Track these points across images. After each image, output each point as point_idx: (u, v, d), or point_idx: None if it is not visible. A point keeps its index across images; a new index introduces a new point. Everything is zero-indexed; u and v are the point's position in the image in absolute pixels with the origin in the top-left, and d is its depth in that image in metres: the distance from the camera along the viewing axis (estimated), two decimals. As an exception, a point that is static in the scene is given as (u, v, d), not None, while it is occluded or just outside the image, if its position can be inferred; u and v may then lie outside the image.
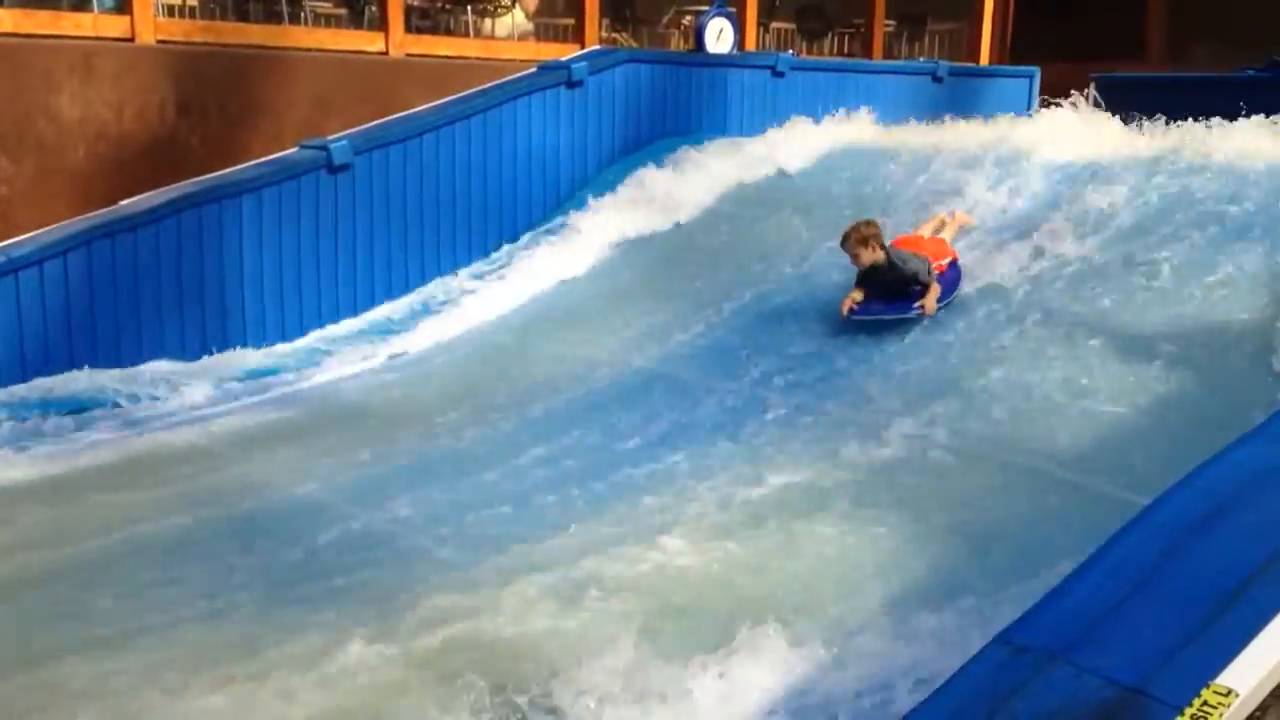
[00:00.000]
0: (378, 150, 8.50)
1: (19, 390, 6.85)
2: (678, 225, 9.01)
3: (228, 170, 8.10)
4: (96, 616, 4.40)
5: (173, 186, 7.80)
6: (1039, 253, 7.03)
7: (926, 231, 7.28)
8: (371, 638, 4.06)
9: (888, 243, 6.77)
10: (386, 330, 8.25)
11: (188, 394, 7.09)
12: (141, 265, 7.43)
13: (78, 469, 5.97)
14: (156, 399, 7.02)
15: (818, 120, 10.08)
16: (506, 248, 9.16)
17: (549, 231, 9.16)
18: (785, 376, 6.50)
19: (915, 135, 9.45)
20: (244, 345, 7.88)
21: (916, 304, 6.54)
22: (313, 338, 8.15)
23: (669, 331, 7.55)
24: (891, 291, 6.68)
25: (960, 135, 9.05)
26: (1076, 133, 8.46)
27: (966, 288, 6.86)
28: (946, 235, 7.26)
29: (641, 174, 9.46)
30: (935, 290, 6.60)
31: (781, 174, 9.33)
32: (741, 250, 8.37)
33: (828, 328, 6.96)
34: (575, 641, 3.98)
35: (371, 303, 8.54)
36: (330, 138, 8.38)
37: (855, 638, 3.94)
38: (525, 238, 9.21)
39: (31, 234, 7.28)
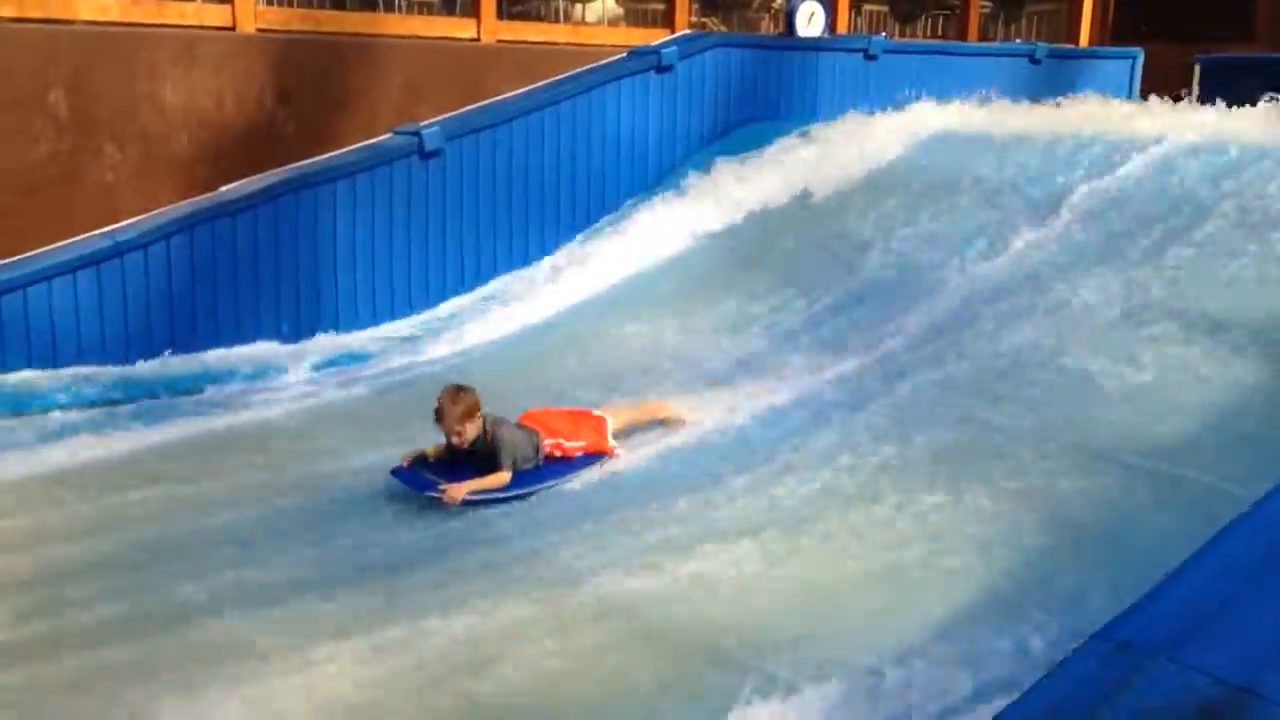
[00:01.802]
0: (468, 136, 8.58)
1: (124, 371, 7.06)
2: (768, 212, 8.92)
3: (323, 156, 8.25)
4: (222, 580, 4.58)
5: (270, 172, 7.96)
6: (1130, 239, 6.86)
7: (612, 412, 5.92)
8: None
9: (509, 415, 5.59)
10: (474, 314, 8.32)
11: (283, 376, 7.25)
12: (240, 249, 7.61)
13: (179, 447, 6.14)
14: (253, 381, 7.18)
15: (910, 104, 9.91)
16: (594, 232, 9.17)
17: (636, 216, 9.13)
18: (882, 365, 6.42)
19: (1018, 117, 9.22)
20: (337, 329, 8.02)
21: (442, 486, 5.23)
22: (403, 322, 8.27)
23: (755, 318, 7.51)
24: (476, 461, 5.41)
25: (1064, 117, 8.85)
26: (1182, 119, 8.22)
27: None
28: (619, 420, 5.87)
29: (731, 159, 9.40)
30: (487, 482, 5.28)
31: (877, 159, 9.17)
32: (833, 239, 8.26)
33: (922, 318, 6.86)
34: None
35: (460, 288, 8.63)
36: (422, 124, 8.48)
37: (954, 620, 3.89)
38: (613, 222, 9.21)
39: (136, 219, 7.50)
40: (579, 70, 9.37)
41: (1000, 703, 2.79)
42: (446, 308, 8.45)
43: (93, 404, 6.67)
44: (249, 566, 4.72)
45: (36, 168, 7.38)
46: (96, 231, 7.35)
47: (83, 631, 4.21)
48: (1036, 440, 5.28)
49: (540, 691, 3.78)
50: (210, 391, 6.99)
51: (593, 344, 7.54)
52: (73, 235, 7.30)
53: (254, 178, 7.90)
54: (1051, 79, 11.63)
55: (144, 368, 7.14)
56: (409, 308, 8.37)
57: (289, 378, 7.23)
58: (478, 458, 5.41)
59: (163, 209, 7.59)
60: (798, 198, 8.92)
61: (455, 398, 5.35)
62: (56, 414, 6.49)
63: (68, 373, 6.88)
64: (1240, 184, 6.99)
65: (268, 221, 7.71)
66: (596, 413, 5.84)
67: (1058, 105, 9.30)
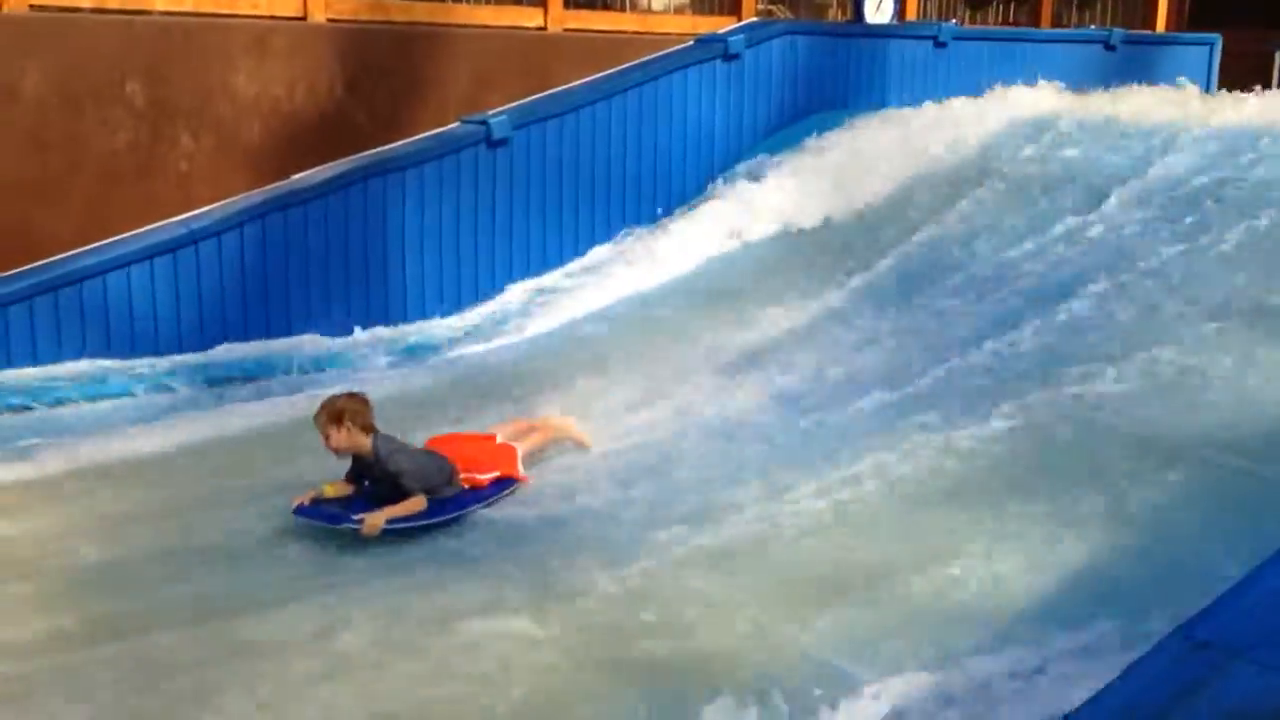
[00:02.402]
0: (535, 125, 8.61)
1: (197, 358, 7.19)
2: (835, 202, 8.84)
3: (392, 145, 8.33)
4: (284, 566, 4.68)
5: (340, 161, 8.06)
6: (1201, 229, 6.72)
7: (503, 433, 5.70)
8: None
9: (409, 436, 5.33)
10: (540, 303, 8.35)
11: (352, 365, 7.35)
12: (311, 238, 7.72)
13: (248, 435, 6.24)
14: (322, 370, 7.28)
15: (980, 92, 9.76)
16: (662, 221, 9.16)
17: (703, 206, 9.12)
18: (955, 356, 6.34)
19: (1097, 103, 9.07)
20: (406, 317, 8.11)
21: (358, 516, 4.89)
22: (469, 311, 8.33)
23: (823, 308, 7.47)
24: (382, 492, 5.07)
25: (1142, 104, 8.70)
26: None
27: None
28: (525, 446, 5.62)
29: (798, 149, 9.33)
30: (403, 508, 4.95)
31: (948, 148, 9.04)
32: (903, 231, 8.17)
33: (993, 308, 6.76)
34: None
35: (526, 275, 8.67)
36: (490, 113, 8.53)
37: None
38: (681, 211, 9.20)
39: (210, 207, 7.64)
40: (645, 59, 9.36)
41: (1074, 700, 2.75)
42: (513, 296, 8.49)
43: (167, 390, 6.82)
44: (318, 556, 4.79)
45: (116, 157, 7.53)
46: (172, 220, 7.50)
47: (149, 615, 4.27)
48: (1109, 435, 5.19)
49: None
50: (280, 379, 7.10)
51: (657, 334, 7.53)
52: (150, 223, 7.45)
53: (324, 166, 8.01)
54: (1127, 66, 11.39)
55: (216, 355, 7.27)
56: (475, 296, 8.43)
57: (358, 367, 7.33)
58: (379, 488, 5.08)
59: (236, 198, 7.72)
60: (872, 187, 8.82)
61: (330, 402, 5.07)
62: (131, 400, 6.64)
63: (143, 360, 7.04)
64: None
65: (338, 210, 7.81)
66: (500, 440, 5.58)
67: (1137, 92, 9.13)
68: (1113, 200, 7.46)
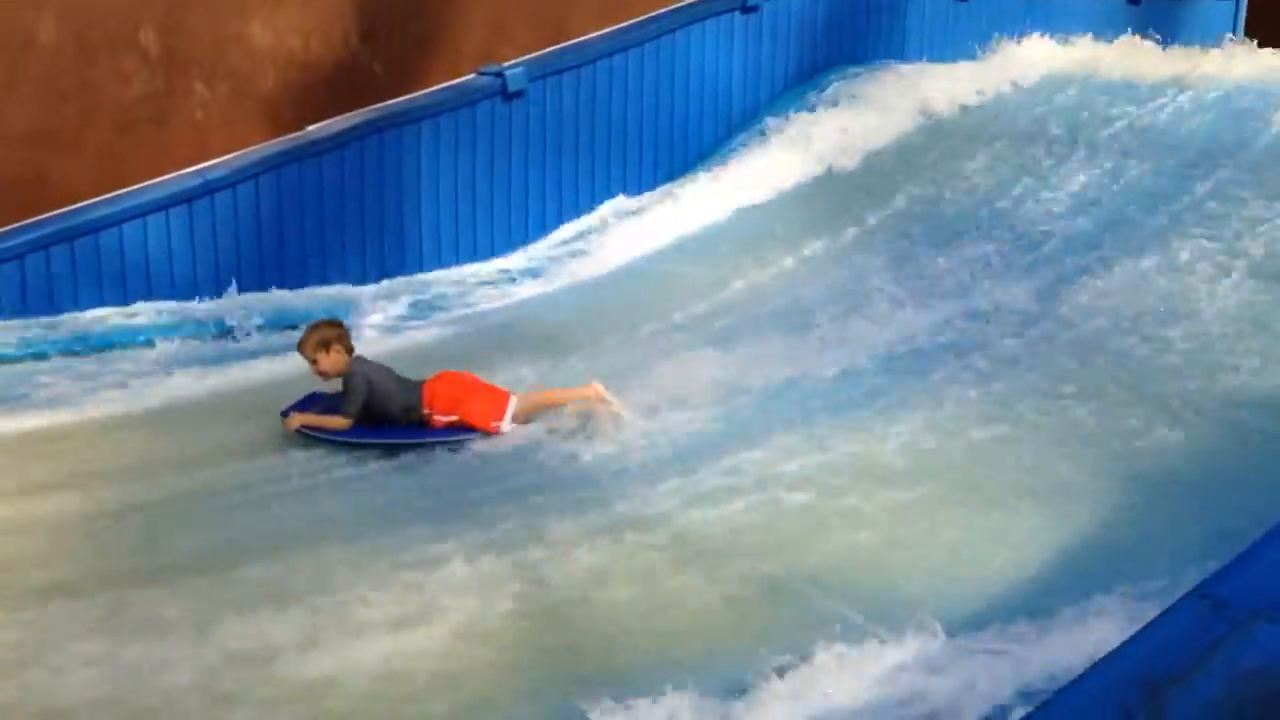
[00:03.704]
0: (551, 77, 8.55)
1: (213, 307, 7.19)
2: (853, 156, 8.78)
3: (407, 96, 8.26)
4: (285, 519, 4.68)
5: (355, 112, 8.00)
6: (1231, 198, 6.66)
7: (525, 395, 5.63)
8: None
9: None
10: (555, 256, 8.33)
11: (368, 315, 7.33)
12: (326, 189, 7.70)
13: (265, 385, 6.25)
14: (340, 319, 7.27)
15: (999, 45, 9.65)
16: (679, 175, 9.11)
17: (720, 160, 9.06)
18: (975, 322, 6.32)
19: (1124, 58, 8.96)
20: (421, 268, 8.09)
21: (286, 409, 5.50)
22: (484, 264, 8.30)
23: (841, 264, 7.43)
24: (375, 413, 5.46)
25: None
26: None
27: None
28: (527, 401, 5.58)
29: (816, 102, 9.26)
30: (324, 420, 5.38)
31: (970, 103, 8.94)
32: (925, 188, 8.11)
33: (1017, 274, 6.71)
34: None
35: (543, 229, 8.63)
36: (505, 64, 8.45)
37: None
38: (699, 165, 9.14)
39: (226, 157, 7.60)
40: (663, 10, 9.26)
41: (1088, 659, 2.75)
42: (528, 249, 8.47)
43: (183, 339, 6.82)
44: (327, 503, 4.82)
45: (130, 106, 7.49)
46: (187, 170, 7.47)
47: (161, 566, 4.30)
48: (1135, 393, 5.17)
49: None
50: (295, 331, 7.07)
51: (673, 288, 7.51)
52: (166, 173, 7.43)
53: (340, 118, 7.96)
54: (1151, 19, 11.22)
55: (232, 305, 7.26)
56: (490, 249, 8.40)
57: (372, 317, 7.31)
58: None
59: (252, 148, 7.68)
60: (888, 142, 8.75)
61: (313, 327, 5.54)
62: (147, 349, 6.66)
63: (160, 308, 7.04)
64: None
65: (353, 161, 7.78)
66: (509, 390, 5.62)
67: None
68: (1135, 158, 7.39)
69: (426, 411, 5.49)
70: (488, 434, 5.43)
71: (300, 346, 5.49)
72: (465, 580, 4.05)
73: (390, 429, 5.46)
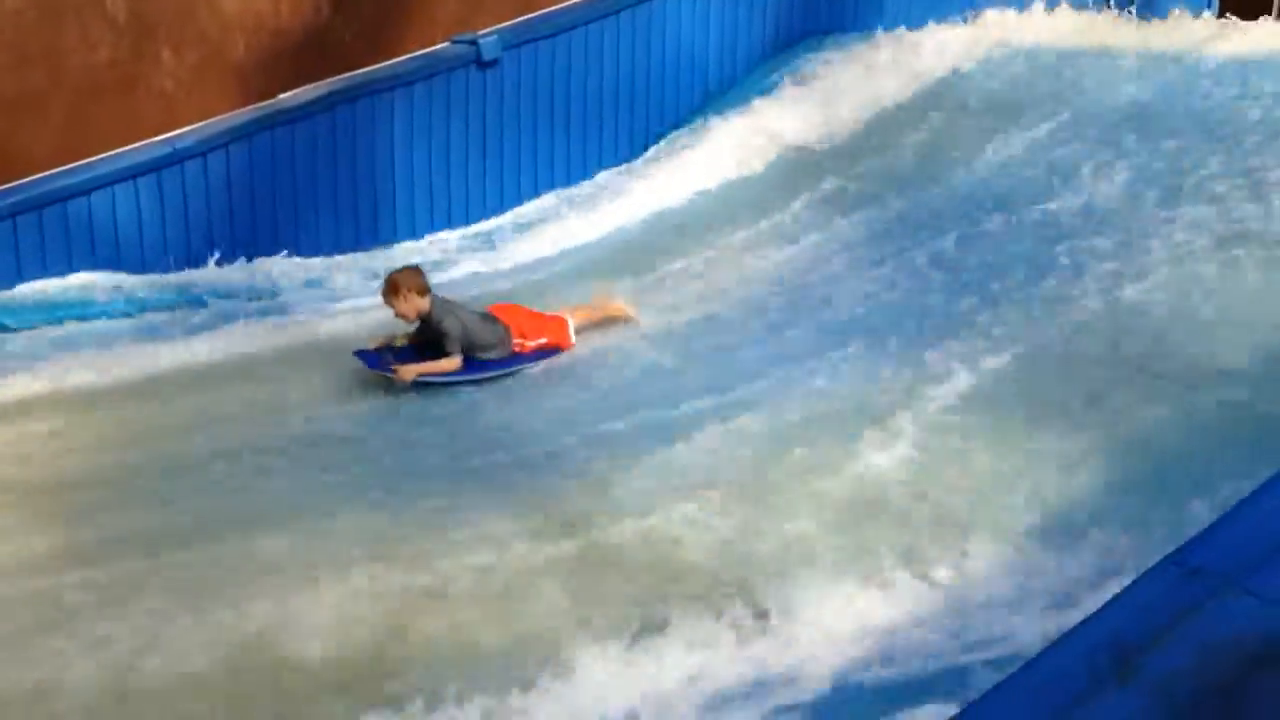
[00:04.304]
0: (526, 46, 8.45)
1: (183, 278, 7.11)
2: (831, 128, 8.71)
3: (380, 65, 8.15)
4: (265, 498, 4.63)
5: (327, 81, 7.89)
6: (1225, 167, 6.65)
7: (569, 312, 6.27)
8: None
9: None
10: (528, 227, 8.25)
11: (340, 285, 7.26)
12: (298, 159, 7.61)
13: (235, 356, 6.20)
14: (308, 290, 7.20)
15: (977, 15, 9.59)
16: (654, 146, 9.03)
17: (696, 131, 8.97)
18: (952, 287, 6.29)
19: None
20: (394, 239, 8.02)
21: (394, 366, 5.69)
22: (455, 233, 8.23)
23: (812, 235, 7.40)
24: (431, 350, 5.84)
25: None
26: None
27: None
28: (576, 318, 6.23)
29: (794, 72, 9.17)
30: (437, 365, 5.70)
31: (950, 74, 8.87)
32: (902, 158, 8.06)
33: (994, 242, 6.68)
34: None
35: (518, 199, 8.56)
36: (480, 32, 8.35)
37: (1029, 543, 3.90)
38: (672, 136, 9.06)
39: (195, 125, 7.48)
40: (639, -22, 9.15)
41: (1066, 624, 2.74)
42: (502, 219, 8.40)
43: (152, 310, 6.74)
44: (287, 476, 4.78)
45: (97, 72, 7.35)
46: (157, 138, 7.36)
47: (117, 540, 4.27)
48: (1113, 365, 5.16)
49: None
50: (266, 301, 7.02)
51: (646, 261, 7.45)
52: (134, 142, 7.31)
53: (311, 86, 7.84)
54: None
55: (203, 275, 7.19)
56: (465, 219, 8.33)
57: (343, 287, 7.24)
58: (433, 342, 5.78)
59: (222, 116, 7.56)
60: (867, 112, 8.69)
61: (398, 274, 5.84)
62: (116, 320, 6.57)
63: (128, 279, 6.95)
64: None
65: (325, 131, 7.68)
66: (557, 312, 6.22)
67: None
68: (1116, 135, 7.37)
69: (519, 340, 5.91)
70: (565, 350, 5.99)
71: (385, 292, 5.79)
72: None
73: (493, 360, 5.82)
